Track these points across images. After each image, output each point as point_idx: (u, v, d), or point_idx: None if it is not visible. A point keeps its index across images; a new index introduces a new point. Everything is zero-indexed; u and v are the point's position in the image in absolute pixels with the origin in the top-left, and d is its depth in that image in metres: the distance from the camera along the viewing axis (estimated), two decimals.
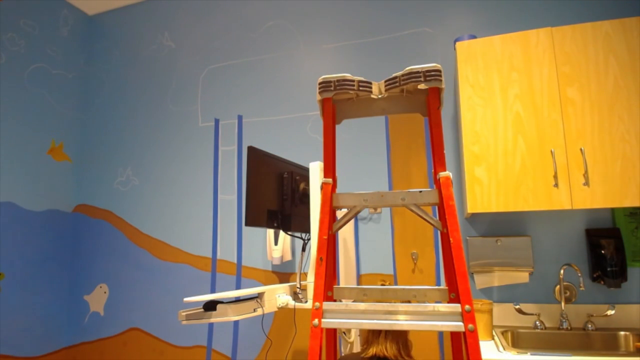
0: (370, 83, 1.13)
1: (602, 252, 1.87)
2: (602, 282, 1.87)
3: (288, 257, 2.42)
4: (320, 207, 1.14)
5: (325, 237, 1.12)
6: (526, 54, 1.86)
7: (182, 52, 3.02)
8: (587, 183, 1.71)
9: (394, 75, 1.09)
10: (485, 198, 1.82)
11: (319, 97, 1.14)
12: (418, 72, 1.06)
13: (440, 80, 1.04)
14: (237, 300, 1.57)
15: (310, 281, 1.97)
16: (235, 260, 2.61)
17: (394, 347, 1.39)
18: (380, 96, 1.13)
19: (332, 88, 1.12)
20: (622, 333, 1.80)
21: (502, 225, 2.10)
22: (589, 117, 1.75)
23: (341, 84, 1.12)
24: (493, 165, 1.83)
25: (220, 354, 2.53)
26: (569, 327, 1.87)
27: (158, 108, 3.02)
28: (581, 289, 1.84)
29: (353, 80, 1.12)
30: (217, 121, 2.83)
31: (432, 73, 1.05)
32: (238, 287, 2.55)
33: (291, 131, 2.61)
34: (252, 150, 1.67)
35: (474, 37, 2.04)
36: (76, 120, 3.21)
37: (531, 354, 1.49)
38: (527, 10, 2.25)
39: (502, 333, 1.84)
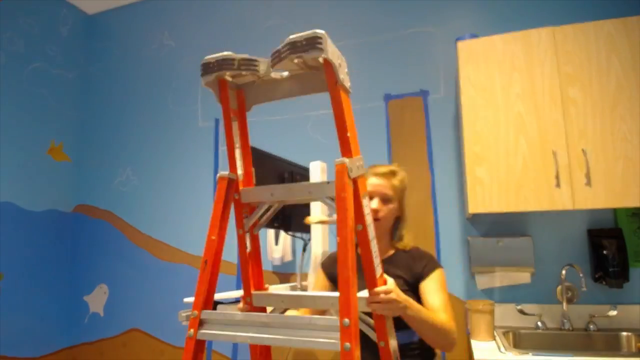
0: (256, 60, 1.01)
1: (604, 252, 1.86)
2: (604, 283, 1.86)
3: (288, 257, 2.41)
4: (213, 205, 1.03)
5: (214, 237, 1.00)
6: (528, 53, 1.85)
7: (182, 52, 3.01)
8: (589, 183, 1.70)
9: (276, 49, 0.96)
10: (487, 198, 1.82)
11: (202, 83, 1.03)
12: (296, 42, 0.90)
13: (321, 49, 0.87)
14: (237, 300, 1.57)
15: (310, 281, 1.96)
16: (235, 260, 2.60)
17: None
18: (284, 76, 1.03)
19: (215, 69, 1.00)
20: (624, 334, 1.80)
21: (504, 226, 2.10)
22: (590, 117, 1.74)
23: (220, 63, 0.99)
24: (494, 165, 1.82)
25: (220, 354, 2.52)
26: (571, 328, 1.86)
27: (158, 108, 3.01)
28: (583, 289, 1.83)
29: (234, 59, 0.99)
30: (217, 121, 2.82)
31: (310, 41, 0.88)
32: (238, 287, 2.54)
33: (291, 131, 2.60)
34: (252, 150, 1.66)
35: (475, 36, 2.03)
36: (76, 120, 3.20)
37: (533, 355, 1.49)
38: (529, 9, 2.24)
39: (504, 334, 1.84)
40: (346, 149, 0.92)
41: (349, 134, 0.92)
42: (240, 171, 1.10)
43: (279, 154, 1.91)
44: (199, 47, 2.96)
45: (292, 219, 1.82)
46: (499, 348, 1.60)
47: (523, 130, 1.81)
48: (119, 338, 2.80)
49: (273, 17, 2.78)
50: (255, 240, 1.08)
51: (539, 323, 1.91)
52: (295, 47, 0.90)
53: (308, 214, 1.90)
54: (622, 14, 1.84)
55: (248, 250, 1.07)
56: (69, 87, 3.17)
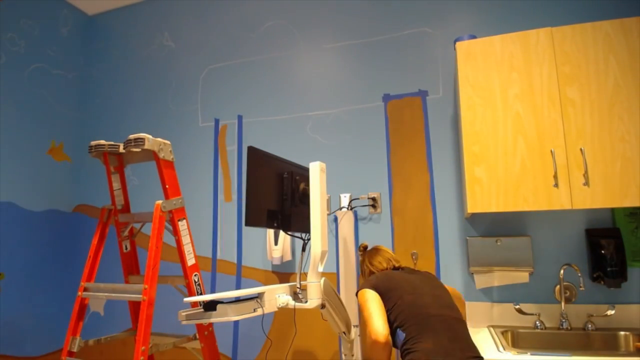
0: (117, 145, 1.96)
1: (602, 252, 1.87)
2: (602, 282, 1.87)
3: (288, 257, 2.42)
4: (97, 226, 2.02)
5: (96, 241, 1.92)
6: (526, 54, 1.86)
7: (182, 52, 3.02)
8: (587, 183, 1.71)
9: (126, 139, 1.82)
10: (485, 198, 1.82)
11: (92, 155, 2.00)
12: (130, 140, 1.78)
13: (141, 145, 1.76)
14: (237, 300, 1.57)
15: (310, 281, 1.96)
16: (235, 260, 2.61)
17: None
18: (139, 150, 1.79)
19: (98, 149, 1.97)
20: (622, 333, 1.80)
21: (502, 225, 2.10)
22: (588, 117, 1.75)
23: (96, 147, 1.96)
24: (493, 165, 1.83)
25: (220, 354, 2.52)
26: (569, 327, 1.87)
27: (158, 108, 3.02)
28: (581, 289, 1.84)
29: (104, 145, 1.96)
30: (217, 121, 2.83)
31: (137, 141, 1.77)
32: (238, 287, 2.55)
33: (291, 131, 2.61)
34: (252, 150, 1.66)
35: (474, 37, 2.04)
36: (76, 120, 3.20)
37: (531, 354, 1.49)
38: (527, 10, 2.25)
39: (502, 333, 1.84)
40: (165, 194, 1.86)
41: (167, 186, 1.85)
42: (122, 202, 2.08)
43: (279, 154, 1.92)
44: (199, 48, 2.97)
45: (291, 218, 1.83)
46: (497, 347, 1.61)
47: (521, 130, 1.82)
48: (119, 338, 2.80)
49: (273, 17, 2.79)
50: (133, 243, 2.17)
51: (538, 322, 1.92)
52: (129, 142, 1.79)
53: (308, 214, 1.91)
54: (620, 14, 1.85)
55: (127, 250, 2.14)
56: (69, 88, 3.18)
